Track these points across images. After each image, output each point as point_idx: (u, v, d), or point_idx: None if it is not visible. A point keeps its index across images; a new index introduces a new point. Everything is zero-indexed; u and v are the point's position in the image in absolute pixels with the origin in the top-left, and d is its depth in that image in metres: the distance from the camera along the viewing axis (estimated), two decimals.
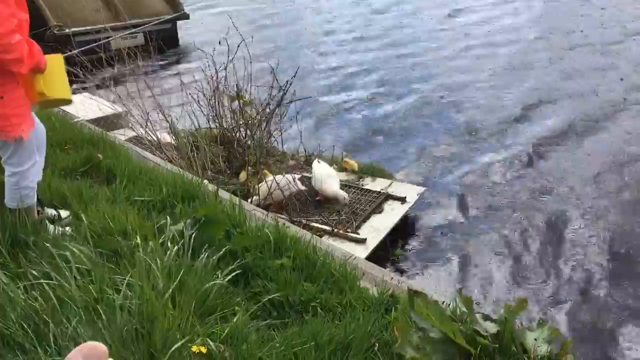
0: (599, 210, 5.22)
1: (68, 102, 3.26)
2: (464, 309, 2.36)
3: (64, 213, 3.39)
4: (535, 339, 2.20)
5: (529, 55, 10.36)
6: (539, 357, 2.15)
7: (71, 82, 5.84)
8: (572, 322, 3.90)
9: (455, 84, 9.18)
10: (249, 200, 4.67)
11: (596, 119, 7.39)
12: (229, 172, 5.65)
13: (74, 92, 6.38)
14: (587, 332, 3.81)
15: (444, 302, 2.62)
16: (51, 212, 3.40)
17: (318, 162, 5.28)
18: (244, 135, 5.86)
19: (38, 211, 3.24)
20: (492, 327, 2.21)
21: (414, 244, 4.87)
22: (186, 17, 12.38)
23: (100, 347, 0.53)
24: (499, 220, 5.20)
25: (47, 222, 3.20)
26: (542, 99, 8.25)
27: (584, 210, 5.24)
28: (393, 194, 5.13)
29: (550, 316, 3.91)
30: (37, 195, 3.24)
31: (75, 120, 5.65)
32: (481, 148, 6.82)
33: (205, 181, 4.12)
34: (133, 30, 9.02)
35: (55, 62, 3.07)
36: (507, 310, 2.19)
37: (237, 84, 5.44)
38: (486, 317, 2.30)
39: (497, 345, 2.17)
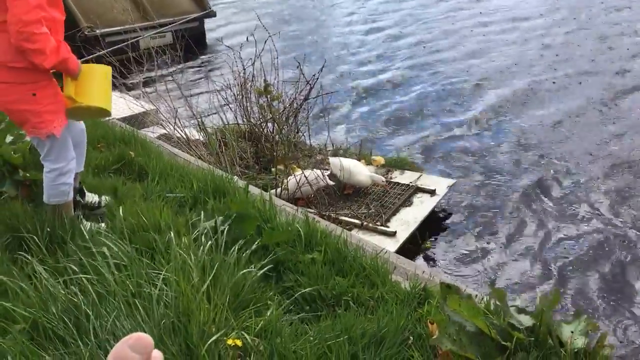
0: None
1: (105, 113, 3.18)
2: (498, 302, 2.34)
3: (104, 199, 3.48)
4: (572, 332, 2.17)
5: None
6: (575, 350, 2.12)
7: None
8: (608, 314, 3.84)
9: (486, 74, 9.07)
10: (275, 192, 4.70)
11: None
12: (257, 167, 5.69)
13: None
14: (624, 323, 3.74)
15: (476, 295, 2.60)
16: (93, 198, 3.49)
17: (337, 157, 5.27)
18: (271, 130, 5.89)
19: (79, 201, 3.33)
20: (527, 320, 2.19)
21: (444, 236, 4.84)
22: (213, 14, 12.47)
23: (146, 338, 0.54)
24: (531, 212, 5.13)
25: (83, 218, 3.29)
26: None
27: (631, 209, 5.13)
28: (422, 186, 5.09)
29: (586, 308, 3.85)
30: (78, 184, 3.33)
31: (107, 119, 5.75)
32: (513, 142, 6.72)
33: (235, 177, 4.16)
34: (161, 29, 9.12)
35: (99, 72, 3.09)
36: (543, 303, 2.16)
37: (264, 79, 5.46)
38: (521, 310, 2.28)
39: (532, 339, 2.15)
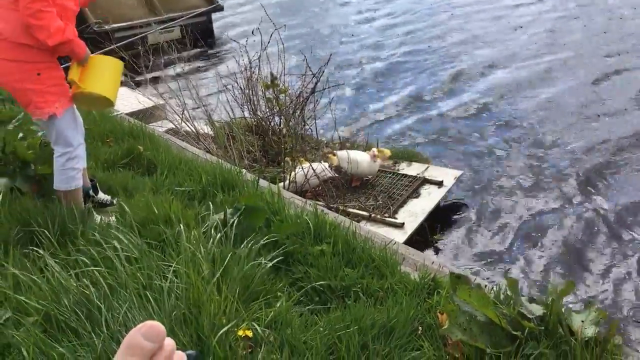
0: None
1: (108, 103, 3.21)
2: (509, 292, 2.34)
3: (116, 200, 3.53)
4: (582, 321, 2.17)
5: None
6: (586, 339, 2.12)
7: None
8: (619, 304, 3.83)
9: (494, 64, 9.02)
10: (284, 184, 4.71)
11: None
12: (264, 160, 5.70)
13: None
14: (633, 314, 3.73)
15: (486, 285, 2.61)
16: (105, 197, 3.53)
17: (344, 150, 5.27)
18: (278, 123, 5.90)
19: (92, 196, 3.36)
20: (538, 310, 2.19)
21: (452, 227, 4.84)
22: (221, 9, 12.46)
23: (158, 326, 0.54)
24: (539, 202, 5.11)
25: (94, 211, 3.32)
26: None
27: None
28: (430, 178, 5.09)
29: (596, 299, 3.84)
30: (92, 181, 3.40)
31: (115, 113, 5.78)
32: (520, 133, 6.69)
33: (243, 170, 4.17)
34: (169, 24, 9.13)
35: (109, 64, 3.13)
36: (554, 292, 2.16)
37: (271, 72, 5.47)
38: (532, 300, 2.28)
39: (542, 328, 2.15)
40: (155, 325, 0.54)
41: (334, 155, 5.26)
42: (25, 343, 2.05)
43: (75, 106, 3.17)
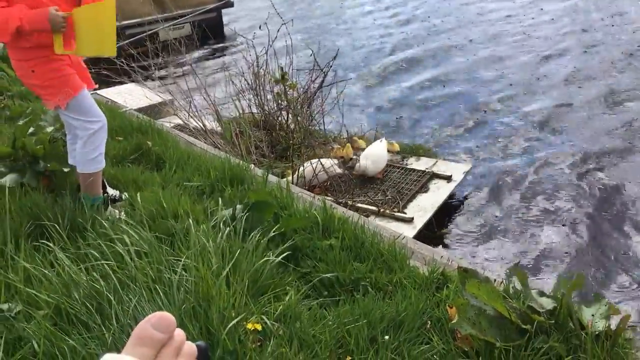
0: None
1: (109, 52, 2.96)
2: (519, 286, 2.33)
3: (125, 195, 3.55)
4: (593, 315, 2.16)
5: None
6: (597, 332, 2.11)
7: (120, 73, 6.01)
8: (628, 299, 3.80)
9: (501, 60, 8.98)
10: (292, 179, 4.71)
11: None
12: (272, 155, 5.70)
13: (121, 83, 6.59)
14: None
15: (495, 279, 2.59)
16: (114, 192, 3.55)
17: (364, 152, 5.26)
18: (286, 118, 5.89)
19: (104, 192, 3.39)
20: (548, 303, 2.18)
21: (461, 222, 4.82)
22: (230, 5, 12.47)
23: (168, 316, 0.54)
24: (549, 197, 5.08)
25: (107, 203, 3.35)
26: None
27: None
28: (438, 172, 5.07)
29: (605, 293, 3.82)
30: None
31: (124, 109, 5.80)
32: (527, 126, 6.65)
33: (252, 165, 4.18)
34: (179, 20, 9.14)
35: (93, 13, 2.85)
36: (564, 286, 2.15)
37: (280, 67, 5.46)
38: (542, 294, 2.27)
39: (552, 322, 2.14)
40: (165, 316, 0.54)
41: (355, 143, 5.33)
42: (36, 336, 2.06)
43: (85, 92, 3.16)
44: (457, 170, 5.13)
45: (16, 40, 2.84)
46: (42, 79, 2.99)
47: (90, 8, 2.91)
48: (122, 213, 3.24)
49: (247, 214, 2.99)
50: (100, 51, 3.00)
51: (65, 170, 3.52)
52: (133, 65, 5.94)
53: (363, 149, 5.36)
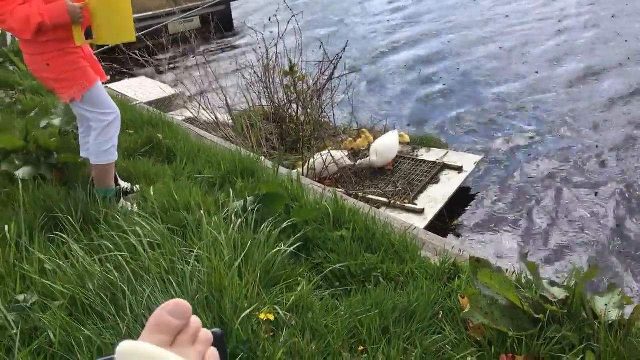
0: None
1: (129, 38, 3.04)
2: (530, 276, 2.33)
3: (137, 187, 3.58)
4: (606, 305, 2.15)
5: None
6: (610, 322, 2.10)
7: (131, 66, 6.03)
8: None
9: (507, 54, 8.91)
10: (302, 171, 4.72)
11: None
12: (282, 148, 5.71)
13: (132, 76, 6.61)
14: None
15: (507, 269, 2.59)
16: (126, 185, 3.58)
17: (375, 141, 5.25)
18: (296, 111, 5.89)
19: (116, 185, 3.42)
20: (560, 293, 2.17)
21: (472, 213, 4.80)
22: None
23: (184, 303, 0.54)
24: (560, 186, 5.05)
25: (120, 195, 3.38)
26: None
27: None
28: (449, 163, 5.05)
29: (620, 283, 3.79)
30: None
31: (134, 103, 5.82)
32: (537, 115, 6.60)
33: (262, 157, 4.19)
34: (189, 13, 9.15)
35: (107, 1, 2.89)
36: (577, 276, 2.14)
37: (290, 59, 5.46)
38: (553, 283, 2.26)
39: (565, 311, 2.13)
40: (181, 303, 0.54)
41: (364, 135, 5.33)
42: (52, 326, 2.09)
43: (99, 84, 3.18)
44: (469, 160, 5.11)
45: (35, 35, 2.85)
46: (57, 72, 3.01)
47: None
48: (135, 205, 3.26)
49: (258, 205, 3.00)
50: (121, 37, 3.04)
51: (79, 160, 3.55)
52: (146, 57, 5.95)
53: (371, 142, 5.37)
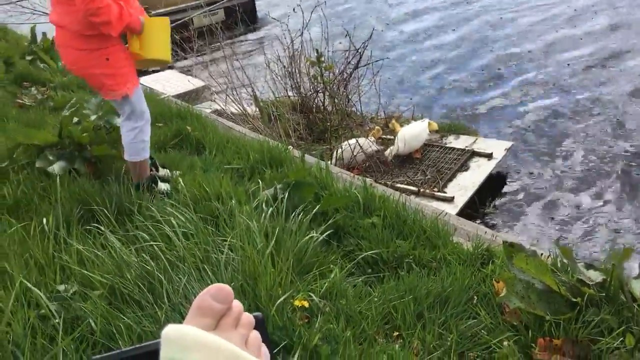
0: None
1: (166, 62, 3.41)
2: (565, 260, 2.29)
3: (176, 173, 3.66)
4: None
5: None
6: None
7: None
8: None
9: (536, 42, 8.74)
10: (331, 160, 4.72)
11: None
12: (310, 138, 5.72)
13: (160, 70, 6.69)
14: None
15: (542, 254, 2.56)
16: (164, 172, 3.65)
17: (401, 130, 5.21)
18: (322, 100, 5.89)
19: (151, 170, 3.49)
20: (596, 276, 2.14)
21: (503, 200, 4.75)
22: None
23: (226, 287, 0.54)
24: (591, 173, 4.95)
25: (158, 179, 3.47)
26: None
27: None
28: (479, 150, 5.00)
29: None
30: (152, 158, 3.54)
31: (163, 96, 5.89)
32: (572, 104, 6.47)
33: (290, 147, 4.20)
34: (213, 6, 9.20)
35: (158, 24, 3.24)
36: (614, 258, 2.10)
37: (316, 49, 5.45)
38: (589, 266, 2.23)
39: (603, 294, 2.10)
40: (223, 287, 0.54)
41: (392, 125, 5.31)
42: (93, 315, 2.14)
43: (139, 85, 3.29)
44: (498, 147, 5.04)
45: (86, 29, 2.93)
46: (115, 67, 3.08)
47: (158, 20, 3.30)
48: (166, 199, 3.30)
49: (288, 194, 3.02)
50: (163, 55, 3.28)
51: (113, 153, 3.62)
52: (174, 50, 6.02)
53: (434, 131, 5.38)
